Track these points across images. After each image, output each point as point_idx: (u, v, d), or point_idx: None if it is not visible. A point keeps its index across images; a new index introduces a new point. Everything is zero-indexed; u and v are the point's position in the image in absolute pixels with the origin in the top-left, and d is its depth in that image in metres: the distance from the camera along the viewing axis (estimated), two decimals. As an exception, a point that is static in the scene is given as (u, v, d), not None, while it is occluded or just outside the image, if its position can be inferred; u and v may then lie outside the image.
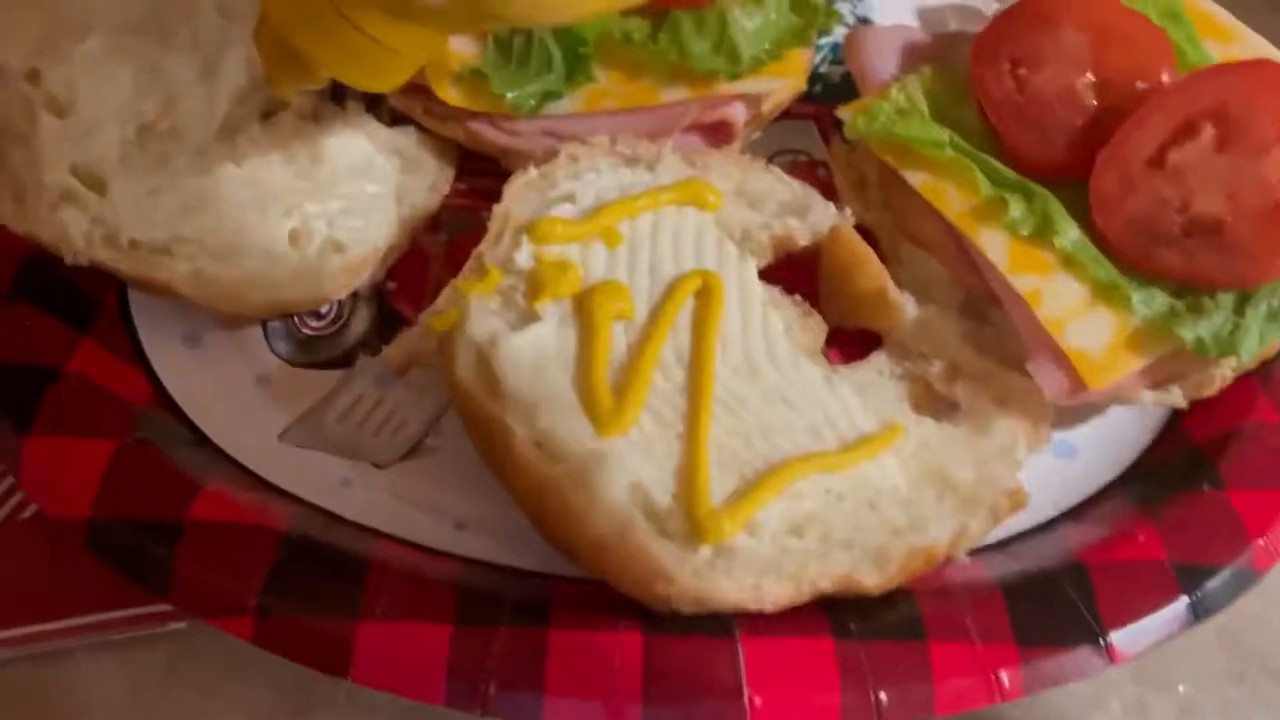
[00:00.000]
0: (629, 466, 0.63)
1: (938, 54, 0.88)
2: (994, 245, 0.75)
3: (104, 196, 0.74)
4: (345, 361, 0.79)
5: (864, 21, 1.01)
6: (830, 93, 0.96)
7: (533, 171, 0.79)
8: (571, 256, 0.74)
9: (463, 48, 0.84)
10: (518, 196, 0.77)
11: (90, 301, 0.76)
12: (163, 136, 0.78)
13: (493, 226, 0.75)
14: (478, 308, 0.69)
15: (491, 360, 0.67)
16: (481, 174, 0.90)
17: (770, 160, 0.92)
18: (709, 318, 0.71)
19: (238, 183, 0.78)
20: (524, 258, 0.72)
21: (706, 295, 0.72)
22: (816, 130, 0.96)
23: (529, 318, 0.70)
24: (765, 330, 0.73)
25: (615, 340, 0.70)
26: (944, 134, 0.79)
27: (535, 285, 0.71)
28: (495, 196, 0.89)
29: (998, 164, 0.77)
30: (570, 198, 0.78)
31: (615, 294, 0.71)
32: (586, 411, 0.65)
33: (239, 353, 0.78)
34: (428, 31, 0.63)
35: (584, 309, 0.70)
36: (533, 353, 0.67)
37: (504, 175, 0.88)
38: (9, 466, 0.65)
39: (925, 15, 1.03)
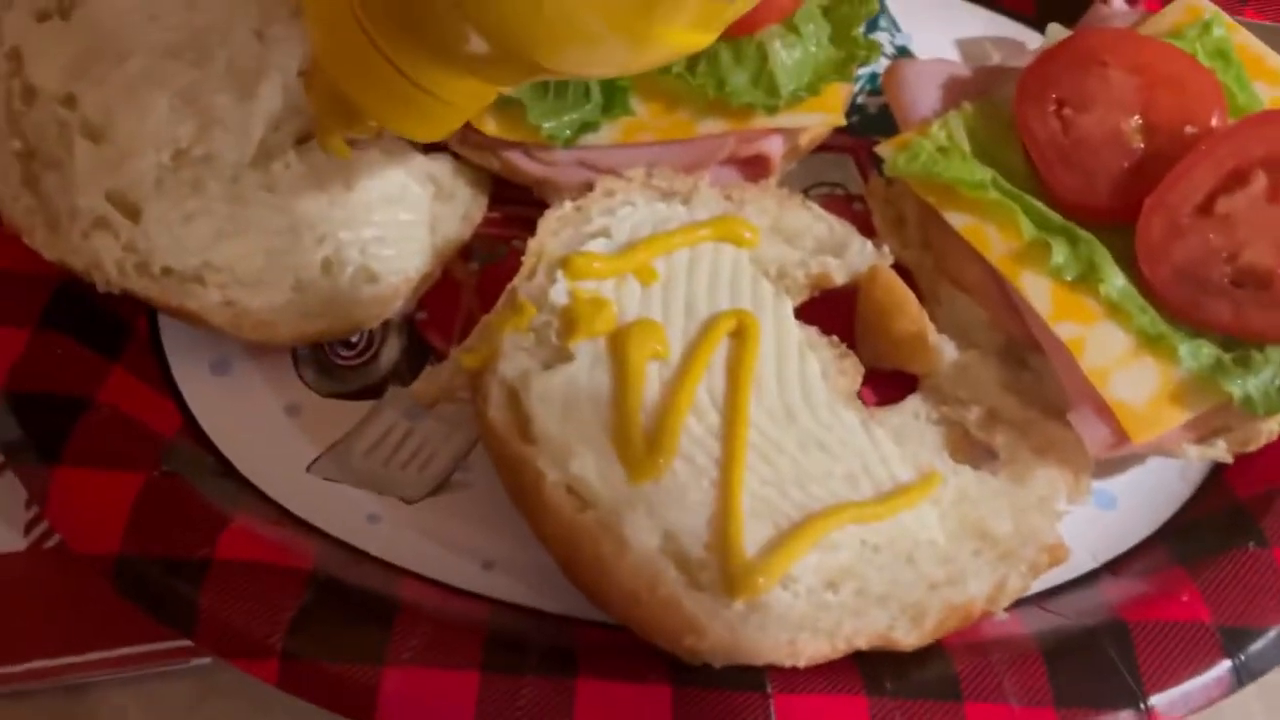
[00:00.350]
0: (661, 514, 0.62)
1: (980, 89, 0.87)
2: (1037, 291, 0.74)
3: (137, 223, 0.74)
4: (375, 392, 0.79)
5: (903, 53, 1.00)
6: (867, 125, 0.95)
7: (567, 205, 0.78)
8: (606, 293, 0.73)
9: (499, 76, 0.83)
10: (552, 230, 0.76)
11: (121, 327, 0.76)
12: (197, 162, 0.77)
13: (527, 261, 0.74)
14: (510, 345, 0.69)
15: (523, 399, 0.66)
16: (514, 202, 0.89)
17: (805, 193, 0.91)
18: (744, 360, 0.70)
19: (271, 210, 0.78)
20: (558, 294, 0.71)
21: (742, 336, 0.71)
22: (853, 163, 0.94)
23: (562, 356, 0.69)
24: (802, 373, 0.71)
25: (649, 380, 0.69)
26: (986, 174, 0.78)
27: (569, 323, 0.70)
28: (528, 226, 0.88)
29: (1042, 206, 0.76)
30: (605, 232, 0.77)
31: (650, 334, 0.70)
32: (619, 455, 0.64)
33: (268, 381, 0.78)
34: (478, 82, 0.63)
35: (618, 348, 0.69)
36: (565, 392, 0.66)
37: (537, 205, 0.88)
38: (36, 498, 0.65)
39: (965, 47, 1.01)
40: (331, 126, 0.71)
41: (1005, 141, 0.81)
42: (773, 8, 0.83)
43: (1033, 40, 1.00)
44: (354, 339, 0.81)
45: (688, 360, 0.70)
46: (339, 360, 0.80)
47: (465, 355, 0.69)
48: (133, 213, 0.74)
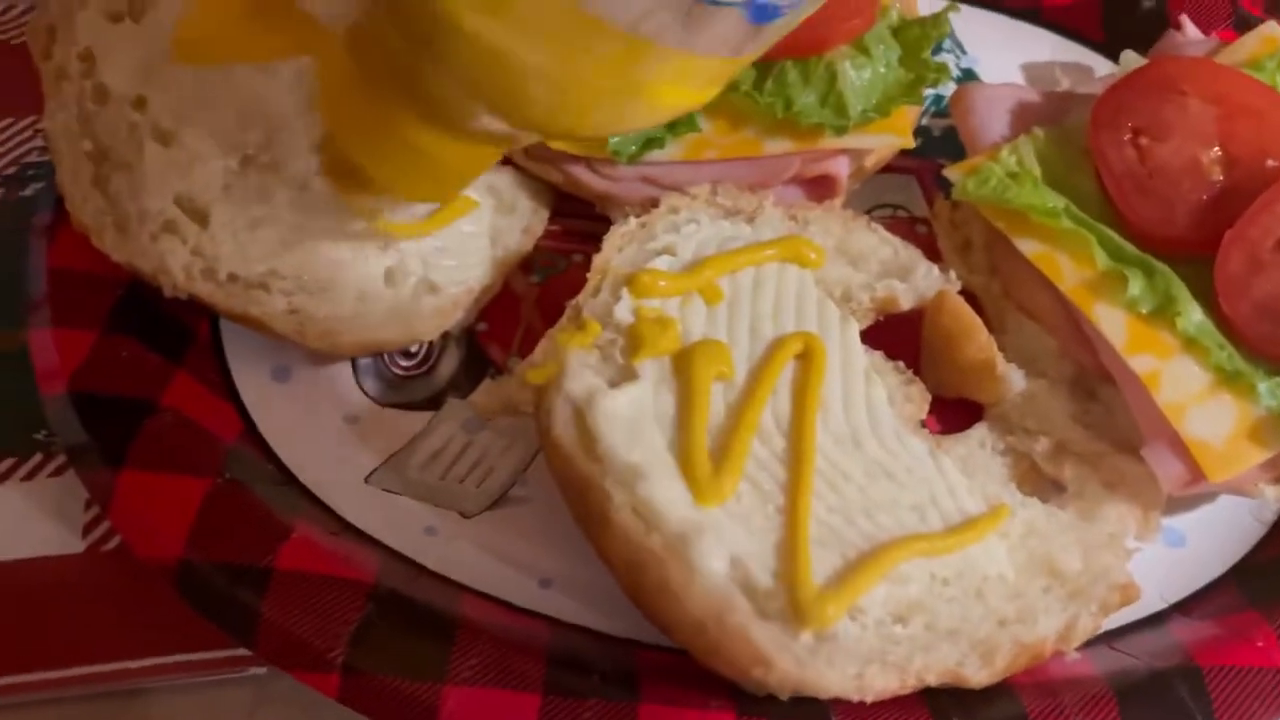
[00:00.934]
0: (728, 540, 0.61)
1: (1050, 115, 0.86)
2: (1110, 322, 0.72)
3: (205, 228, 0.74)
4: (434, 403, 0.78)
5: (968, 76, 0.99)
6: (932, 146, 0.94)
7: (632, 222, 0.78)
8: (670, 312, 0.72)
9: (565, 90, 0.83)
10: (617, 246, 0.76)
11: (184, 331, 0.76)
12: (264, 169, 0.77)
13: (591, 278, 0.74)
14: (575, 362, 0.68)
15: (588, 419, 0.65)
16: (575, 216, 0.89)
17: (868, 214, 0.90)
18: (810, 384, 0.69)
19: (336, 218, 0.78)
20: (623, 312, 0.71)
21: (808, 360, 0.70)
22: (917, 185, 0.93)
23: (627, 374, 0.68)
24: (868, 399, 0.70)
25: (714, 401, 0.68)
26: (1059, 201, 0.76)
27: (634, 341, 0.69)
28: (588, 240, 0.88)
29: (1116, 236, 0.74)
30: (670, 250, 0.76)
31: (715, 354, 0.69)
32: (685, 478, 0.63)
33: (328, 389, 0.77)
34: (484, 147, 0.63)
35: (683, 369, 0.68)
36: (630, 412, 0.66)
37: (598, 218, 0.88)
38: (100, 501, 0.65)
39: (1032, 71, 1.00)
40: (344, 190, 0.71)
41: (1078, 169, 0.80)
42: (842, 29, 0.82)
43: (1100, 66, 0.99)
44: (413, 349, 0.81)
45: (753, 382, 0.69)
46: (398, 370, 0.80)
47: (530, 370, 0.68)
48: (201, 217, 0.74)
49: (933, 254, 0.83)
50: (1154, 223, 0.74)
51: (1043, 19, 1.01)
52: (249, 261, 0.74)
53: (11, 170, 0.89)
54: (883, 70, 0.84)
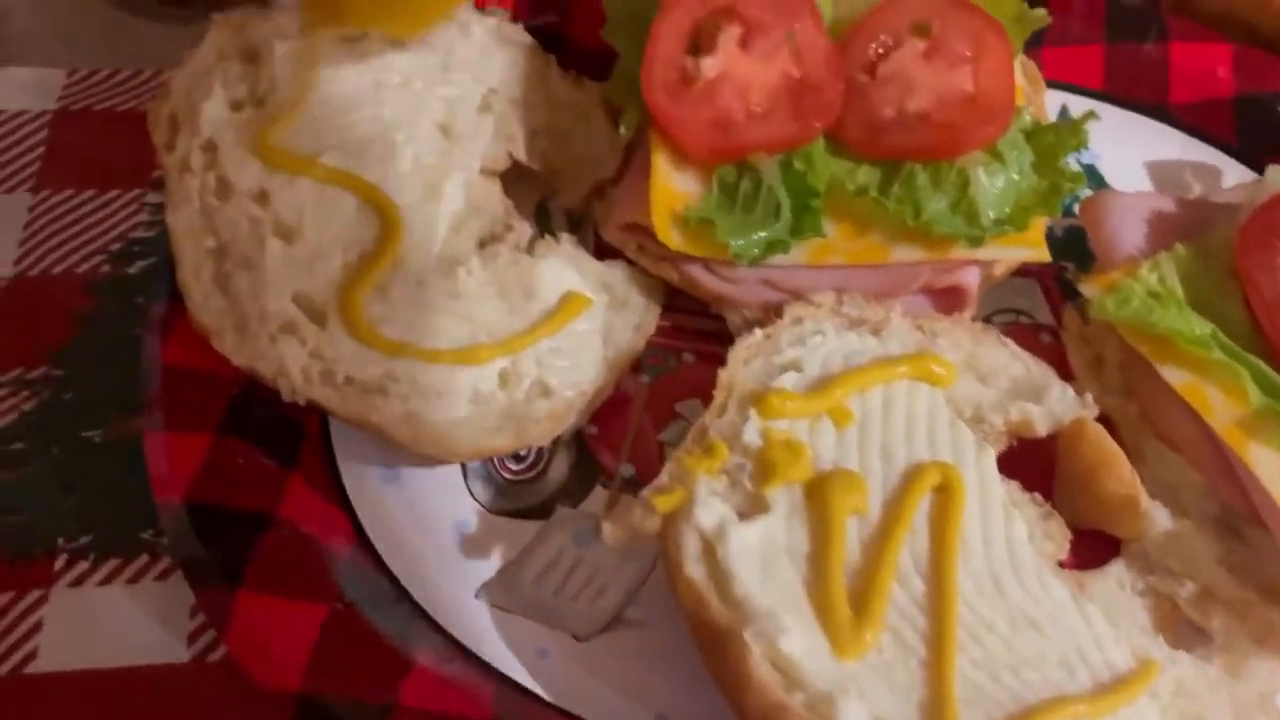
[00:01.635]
0: (871, 698, 0.58)
1: (1190, 227, 0.82)
2: (1265, 464, 0.68)
3: (324, 328, 0.72)
4: (544, 510, 0.76)
5: (1090, 172, 0.95)
6: (1054, 247, 0.89)
7: (757, 334, 0.75)
8: (799, 434, 0.69)
9: (686, 188, 0.80)
10: (742, 361, 0.73)
11: (297, 431, 0.74)
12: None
13: (717, 395, 0.71)
14: (704, 490, 0.65)
15: (719, 554, 0.62)
16: (686, 311, 0.86)
17: (989, 320, 0.87)
18: (949, 522, 0.66)
19: (453, 317, 0.76)
20: (751, 434, 0.68)
21: (946, 494, 0.67)
22: (1040, 290, 0.90)
23: (757, 504, 0.66)
24: (1008, 537, 0.67)
25: (848, 537, 0.65)
26: (1207, 328, 0.73)
27: (764, 468, 0.67)
28: (699, 337, 0.86)
29: (1270, 370, 0.71)
30: (796, 365, 0.73)
31: (850, 487, 0.66)
32: (823, 625, 0.60)
33: (437, 494, 0.75)
34: None
35: (817, 503, 0.65)
36: (764, 549, 0.63)
37: (709, 315, 0.85)
38: (216, 621, 0.63)
39: (1157, 169, 0.96)
40: (315, 21, 0.72)
41: (1223, 290, 0.76)
42: (977, 135, 0.80)
43: (1230, 169, 0.96)
44: (523, 452, 0.78)
45: (890, 518, 0.66)
46: (507, 474, 0.77)
47: (657, 497, 0.66)
48: (320, 317, 0.73)
49: (1061, 366, 0.80)
50: (1312, 358, 0.71)
51: (1170, 116, 0.97)
52: (367, 363, 0.72)
53: (118, 246, 0.88)
54: (1016, 177, 0.81)
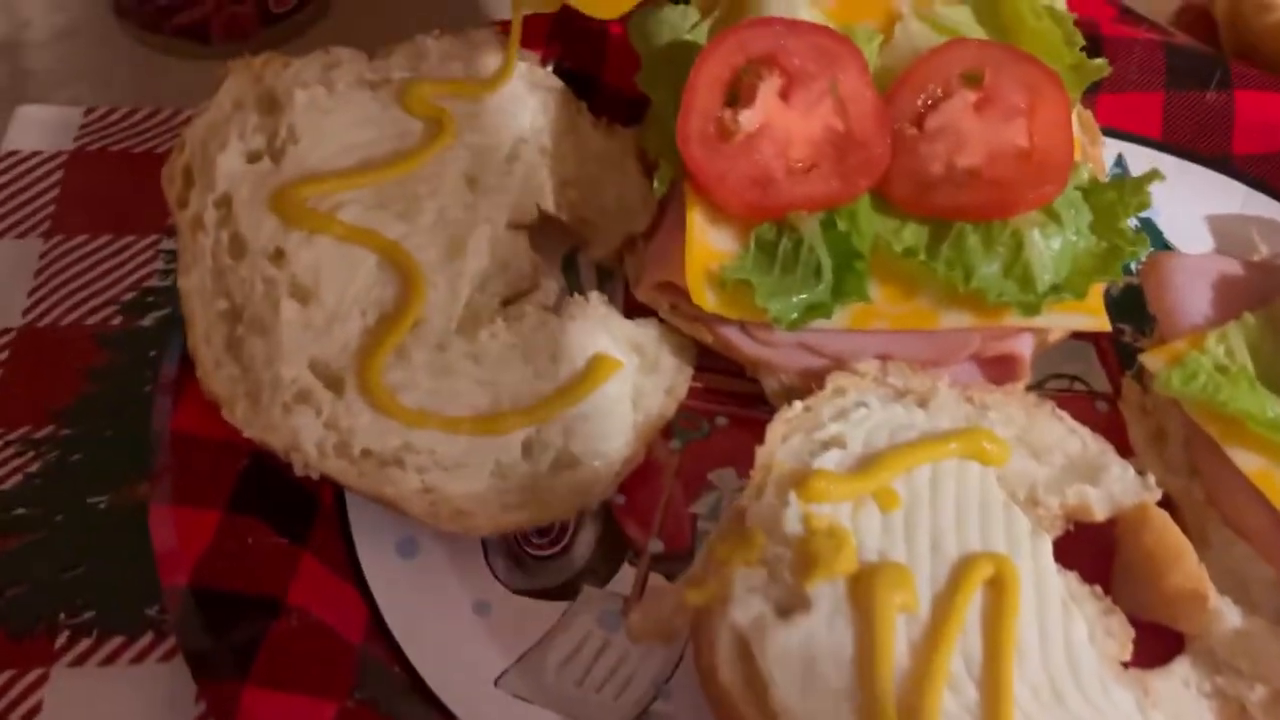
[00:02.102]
0: (921, 821, 0.53)
1: (1258, 292, 0.77)
2: (1345, 562, 0.64)
3: (340, 396, 0.69)
4: (568, 590, 0.72)
5: (1147, 226, 0.90)
6: (1111, 309, 0.84)
7: (797, 407, 0.70)
8: (842, 519, 0.65)
9: (722, 246, 0.76)
10: (781, 436, 0.69)
11: (310, 503, 0.70)
12: (402, 328, 0.72)
13: (755, 474, 0.67)
14: (740, 584, 0.61)
15: (757, 655, 0.58)
16: (718, 371, 0.82)
17: (1041, 386, 0.83)
18: (1004, 621, 0.61)
19: (475, 383, 0.72)
20: (792, 521, 0.64)
21: (1000, 590, 0.62)
22: (1095, 354, 0.85)
23: (797, 599, 0.61)
24: (1067, 639, 0.62)
25: (896, 636, 0.60)
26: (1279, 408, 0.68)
27: (805, 559, 0.62)
28: (732, 399, 0.82)
29: (1350, 458, 0.66)
30: (838, 441, 0.69)
31: (898, 583, 0.61)
32: (870, 739, 0.56)
33: (456, 570, 0.71)
34: None
35: (863, 601, 0.60)
36: (804, 652, 0.58)
37: (742, 375, 0.81)
38: (219, 716, 0.59)
39: (1220, 224, 0.91)
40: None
41: (1297, 365, 0.71)
42: (1033, 196, 0.75)
43: (1298, 223, 0.91)
44: (546, 525, 0.74)
45: (940, 617, 0.61)
46: (530, 550, 0.73)
47: (691, 590, 0.61)
48: (336, 384, 0.69)
49: (1120, 437, 0.75)
50: (1397, 446, 0.66)
51: (1233, 168, 0.92)
52: (384, 434, 0.69)
53: (131, 296, 0.85)
54: (1074, 238, 0.76)
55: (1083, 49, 0.82)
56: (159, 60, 1.01)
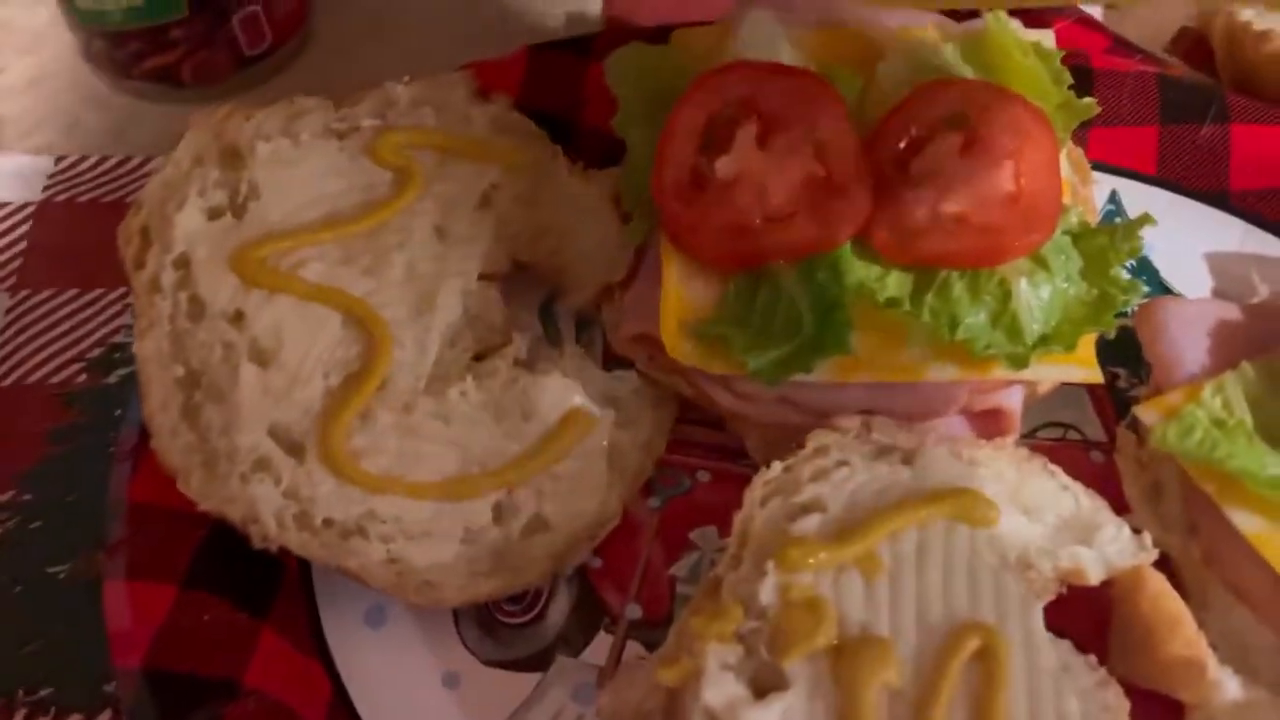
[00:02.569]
0: None
1: (1257, 339, 0.74)
2: (1351, 631, 0.61)
3: (301, 463, 0.66)
4: (542, 660, 0.69)
5: (1144, 265, 0.87)
6: (1104, 353, 0.81)
7: (776, 468, 0.68)
8: (823, 588, 0.62)
9: (700, 297, 0.74)
10: (758, 501, 0.66)
11: (272, 571, 0.68)
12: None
13: (731, 543, 0.64)
14: (714, 662, 0.58)
15: (732, 739, 0.55)
16: (698, 423, 0.79)
17: (1033, 434, 0.80)
18: (993, 696, 0.58)
19: (443, 445, 0.70)
20: (768, 593, 0.61)
21: (988, 664, 0.60)
22: (1088, 400, 0.82)
23: (774, 677, 0.58)
24: (1059, 713, 0.59)
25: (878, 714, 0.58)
26: (1280, 466, 0.65)
27: (781, 635, 0.59)
28: (713, 453, 0.79)
29: (1355, 519, 0.63)
30: (819, 505, 0.66)
31: (880, 659, 0.59)
32: (848, 831, 0.53)
33: (425, 639, 0.69)
34: None
35: (844, 678, 0.58)
36: (781, 733, 0.56)
37: (724, 427, 0.78)
38: (171, 808, 0.57)
39: (1218, 262, 0.88)
40: None
41: (1299, 419, 0.68)
42: (1020, 244, 0.72)
43: (1296, 262, 0.87)
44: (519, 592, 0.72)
45: (926, 694, 0.58)
46: (501, 618, 0.71)
47: (663, 669, 0.59)
48: (296, 451, 0.67)
49: (1115, 490, 0.72)
50: (1404, 506, 0.63)
51: (1230, 204, 0.89)
52: (347, 502, 0.66)
53: (97, 352, 0.83)
54: (1063, 285, 0.74)
55: (1071, 87, 0.79)
56: (131, 105, 0.99)
